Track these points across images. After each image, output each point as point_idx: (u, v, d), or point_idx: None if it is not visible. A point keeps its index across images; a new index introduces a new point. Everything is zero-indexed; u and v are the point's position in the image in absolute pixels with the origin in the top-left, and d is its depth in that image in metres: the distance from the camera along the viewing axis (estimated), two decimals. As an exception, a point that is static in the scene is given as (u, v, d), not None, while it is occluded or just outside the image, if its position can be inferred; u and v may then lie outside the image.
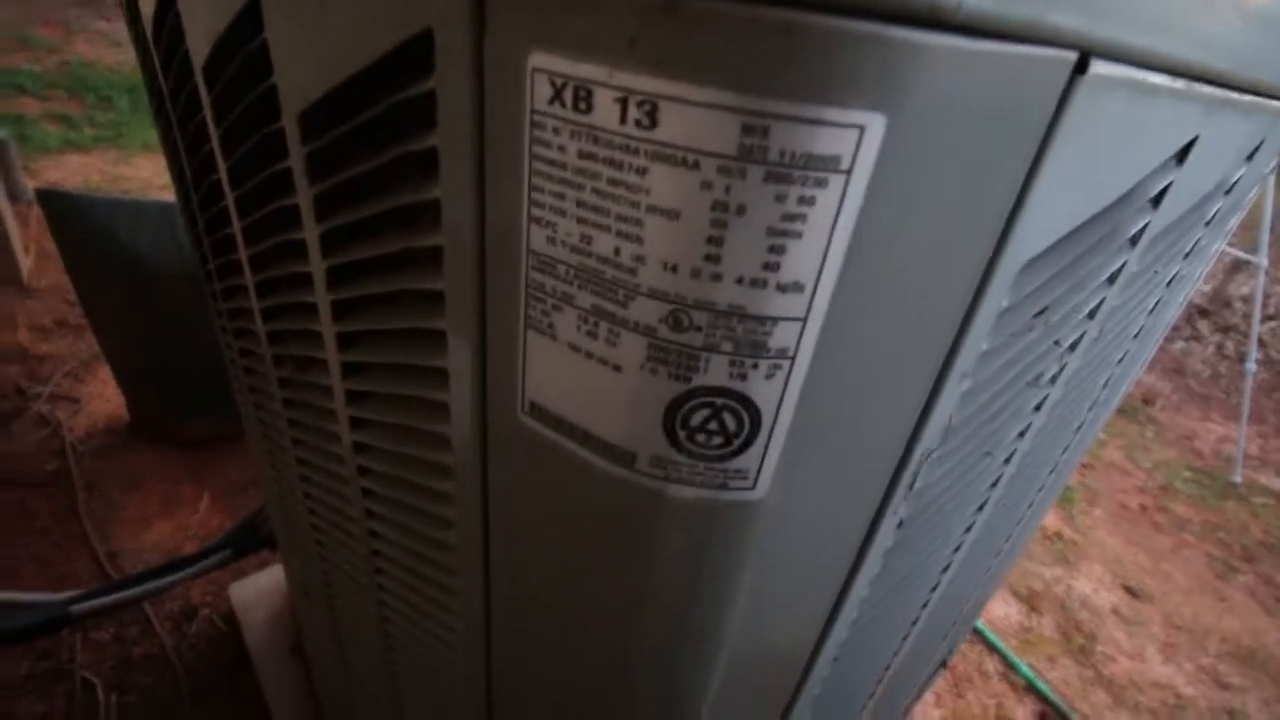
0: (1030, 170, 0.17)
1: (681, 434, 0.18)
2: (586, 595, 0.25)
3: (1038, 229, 0.19)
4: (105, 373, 1.37)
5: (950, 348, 0.20)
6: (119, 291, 1.20)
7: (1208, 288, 2.79)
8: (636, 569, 0.23)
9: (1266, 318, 2.60)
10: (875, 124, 0.14)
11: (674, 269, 0.16)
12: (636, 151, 0.15)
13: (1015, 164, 0.17)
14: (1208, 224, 0.31)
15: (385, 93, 0.20)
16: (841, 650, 0.29)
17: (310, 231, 0.27)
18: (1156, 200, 0.24)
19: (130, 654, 0.91)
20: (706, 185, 0.14)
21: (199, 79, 0.30)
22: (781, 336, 0.17)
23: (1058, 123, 0.16)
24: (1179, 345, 2.61)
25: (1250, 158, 0.29)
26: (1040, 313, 0.23)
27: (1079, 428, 0.38)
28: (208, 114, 0.31)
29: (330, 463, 0.36)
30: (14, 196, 1.79)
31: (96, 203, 1.16)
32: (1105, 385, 0.36)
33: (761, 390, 0.17)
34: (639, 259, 0.16)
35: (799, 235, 0.15)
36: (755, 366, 0.17)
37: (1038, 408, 0.29)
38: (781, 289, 0.16)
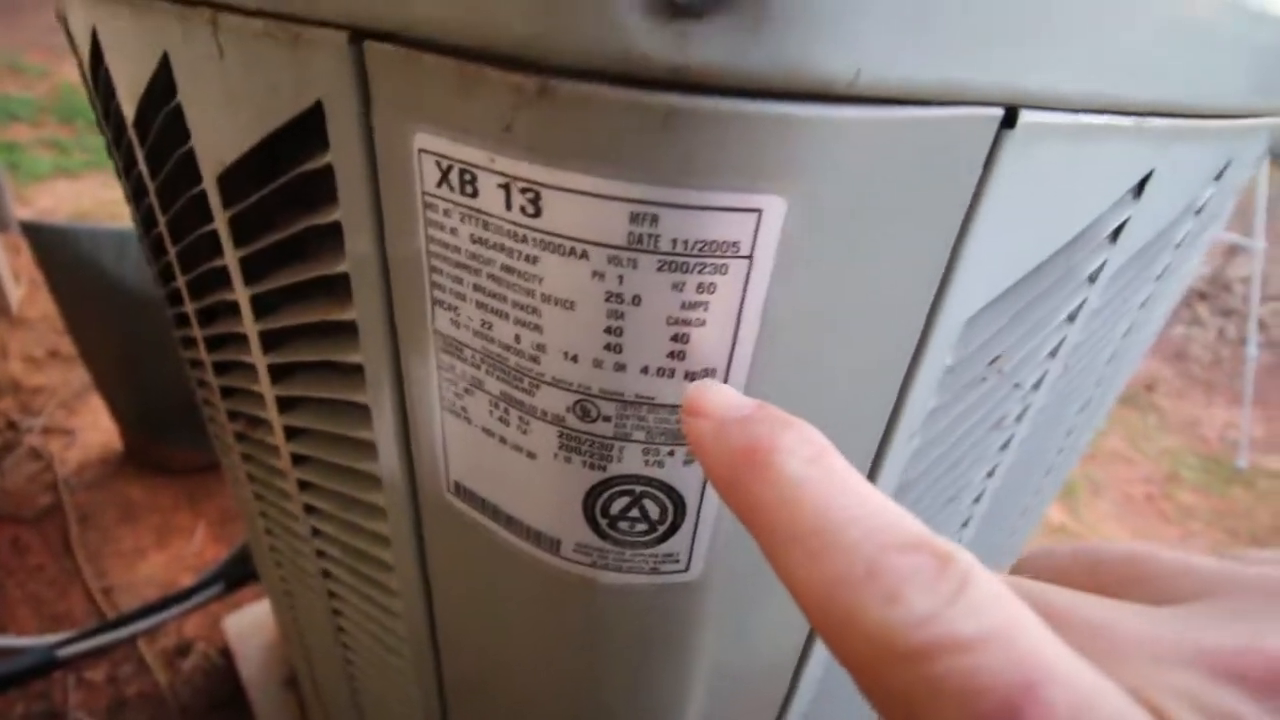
0: (962, 229, 0.16)
1: (603, 521, 0.17)
2: (534, 674, 0.24)
3: (977, 285, 0.18)
4: (98, 402, 1.36)
5: (890, 413, 0.19)
6: (107, 321, 1.19)
7: (1207, 271, 2.76)
8: (579, 653, 0.21)
9: (1267, 298, 2.57)
10: (774, 206, 0.13)
11: (575, 359, 0.15)
12: (525, 240, 0.14)
13: (943, 225, 0.16)
14: (1178, 246, 0.30)
15: (290, 164, 0.19)
16: (811, 707, 0.28)
17: (240, 294, 0.26)
18: (1115, 235, 0.22)
19: (124, 693, 0.90)
20: (598, 275, 0.13)
21: (132, 134, 0.30)
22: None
23: (988, 178, 0.15)
24: (1179, 331, 2.58)
25: (1219, 177, 0.28)
26: (994, 360, 0.22)
27: (1059, 451, 0.37)
28: (143, 169, 0.30)
29: (289, 520, 0.36)
30: (4, 226, 1.79)
31: (81, 233, 1.15)
32: (1081, 409, 0.35)
33: (681, 476, 0.16)
34: (540, 347, 0.15)
35: (702, 323, 0.14)
36: (672, 454, 0.16)
37: (1004, 447, 0.28)
38: (691, 377, 0.15)
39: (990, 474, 0.29)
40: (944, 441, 0.22)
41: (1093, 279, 0.23)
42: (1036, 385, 0.26)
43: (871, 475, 0.20)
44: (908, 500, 0.23)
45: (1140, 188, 0.22)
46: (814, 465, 0.11)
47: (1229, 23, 0.19)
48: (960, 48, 0.12)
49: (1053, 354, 0.25)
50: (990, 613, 0.09)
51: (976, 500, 0.29)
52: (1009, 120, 0.15)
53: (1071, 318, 0.24)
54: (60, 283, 1.15)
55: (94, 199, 2.36)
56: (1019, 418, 0.27)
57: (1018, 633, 0.08)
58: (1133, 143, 0.19)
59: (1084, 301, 0.24)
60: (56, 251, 1.15)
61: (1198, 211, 0.29)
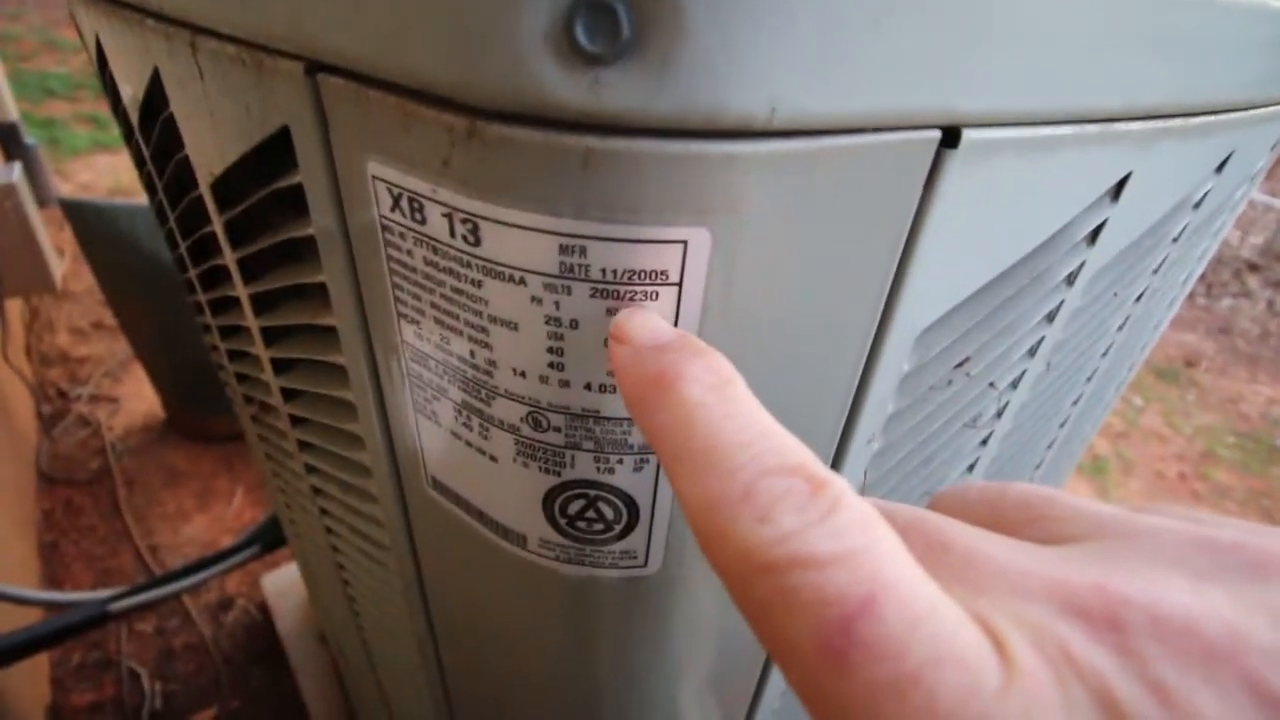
0: (906, 246, 0.16)
1: (562, 521, 0.18)
2: (516, 647, 0.25)
3: (930, 297, 0.18)
4: (140, 372, 1.42)
5: (845, 420, 0.19)
6: (145, 295, 1.24)
7: (1259, 240, 2.62)
8: (558, 635, 0.23)
9: (1326, 269, 2.44)
10: (699, 236, 0.13)
11: (523, 375, 0.16)
12: (469, 265, 0.14)
13: (884, 244, 0.16)
14: (1176, 240, 0.29)
15: (267, 180, 0.20)
16: (787, 695, 0.29)
17: (240, 291, 0.27)
18: (1093, 237, 0.22)
19: (171, 644, 0.97)
20: (536, 300, 0.14)
21: (138, 136, 0.31)
22: (642, 434, 0.16)
23: (931, 197, 0.15)
24: (1226, 303, 2.47)
25: (1220, 169, 0.27)
26: (961, 364, 0.22)
27: (1050, 445, 0.36)
28: (151, 169, 0.32)
29: (301, 499, 0.38)
30: (45, 201, 1.86)
31: (118, 210, 1.19)
32: (1076, 402, 0.35)
33: (632, 481, 0.17)
34: (492, 363, 0.16)
35: (638, 345, 0.14)
36: (621, 461, 0.17)
37: (984, 443, 0.28)
38: (632, 393, 0.15)
39: (971, 468, 0.29)
40: (910, 441, 0.23)
41: (1071, 280, 0.23)
42: (1014, 384, 0.26)
43: (829, 477, 0.20)
44: (877, 495, 0.23)
45: (1118, 190, 0.21)
46: (714, 392, 0.12)
47: (1200, 22, 0.18)
48: (878, 77, 0.13)
49: (1031, 353, 0.25)
50: (849, 535, 0.09)
51: (956, 493, 0.30)
52: (950, 140, 0.15)
53: (1050, 318, 0.24)
54: (99, 259, 1.20)
55: (131, 173, 2.43)
56: (997, 415, 0.27)
57: (868, 555, 0.09)
58: (1103, 148, 0.19)
59: (1062, 303, 0.24)
60: (95, 228, 1.19)
61: (1196, 205, 0.28)
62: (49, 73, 3.13)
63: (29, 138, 1.81)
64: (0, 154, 1.71)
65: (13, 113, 1.76)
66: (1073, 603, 0.09)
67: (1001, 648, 0.09)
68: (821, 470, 0.10)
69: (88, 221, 1.18)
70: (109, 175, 2.39)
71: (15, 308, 1.53)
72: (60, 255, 1.79)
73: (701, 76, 0.11)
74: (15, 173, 1.41)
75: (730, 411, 0.11)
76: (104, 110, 2.87)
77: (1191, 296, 2.46)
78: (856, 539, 0.09)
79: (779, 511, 0.10)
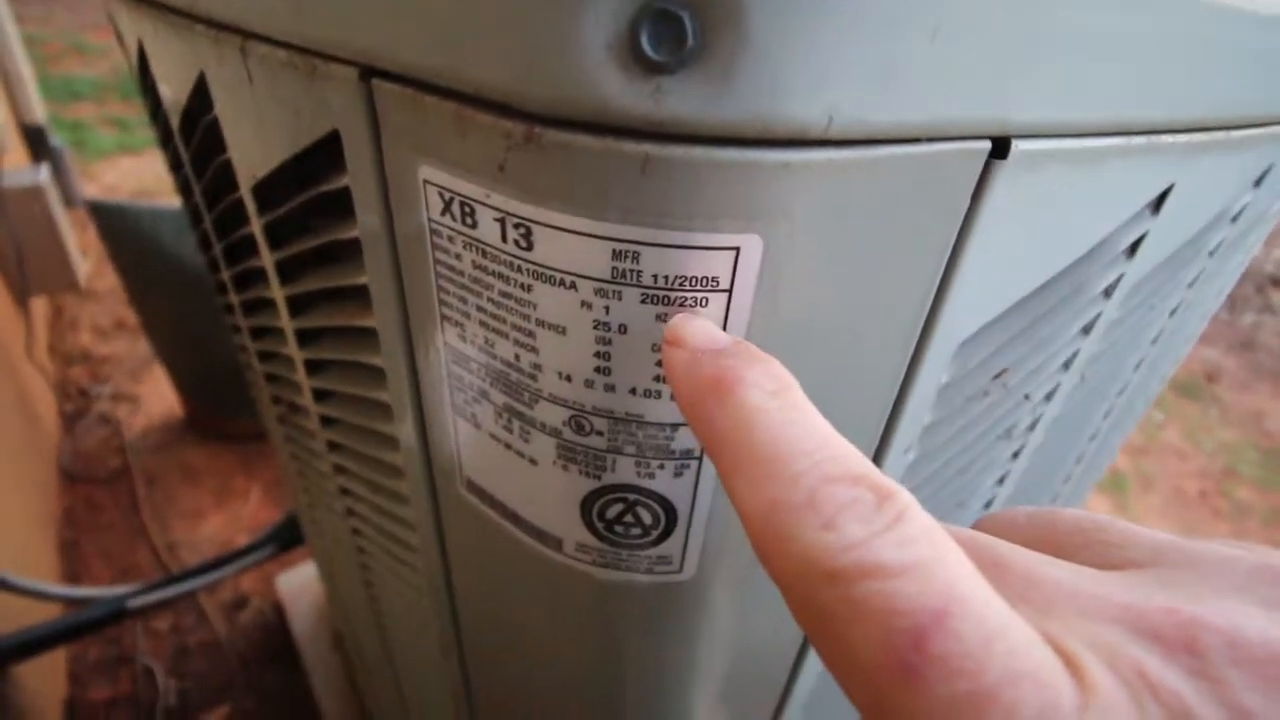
0: (952, 256, 0.16)
1: (600, 525, 0.18)
2: (543, 648, 0.25)
3: (972, 308, 0.18)
4: (161, 371, 1.44)
5: (883, 430, 0.19)
6: (167, 296, 1.26)
7: (1283, 254, 2.58)
8: (585, 639, 0.23)
9: (1351, 285, 2.40)
10: (751, 243, 0.13)
11: (569, 379, 0.16)
12: (520, 269, 0.15)
13: (931, 253, 0.16)
14: (1212, 254, 0.29)
15: (312, 183, 0.20)
16: (812, 698, 0.29)
17: (276, 293, 0.27)
18: (1132, 250, 0.22)
19: (187, 642, 0.98)
20: (586, 304, 0.14)
21: (178, 140, 0.31)
22: (685, 439, 0.16)
23: (978, 207, 0.15)
24: (1248, 319, 2.43)
25: (1258, 183, 0.27)
26: (998, 375, 0.22)
27: (1079, 459, 0.36)
28: (189, 171, 0.32)
29: (328, 499, 0.38)
30: (71, 202, 1.89)
31: (142, 212, 1.22)
32: (1107, 415, 0.34)
33: (671, 487, 0.17)
34: (537, 367, 0.16)
35: (686, 351, 0.14)
36: (662, 466, 0.17)
37: (1015, 455, 0.28)
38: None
39: (1001, 481, 0.29)
40: (945, 452, 0.23)
41: (1108, 293, 0.23)
42: (1049, 396, 0.26)
43: (865, 486, 0.20)
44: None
45: (1159, 202, 0.21)
46: (774, 398, 0.11)
47: (1245, 35, 0.18)
48: (933, 87, 0.13)
49: (1066, 366, 0.25)
50: (918, 546, 0.09)
51: (987, 506, 0.30)
52: (1000, 151, 0.15)
53: (1086, 330, 0.24)
54: (123, 259, 1.22)
55: (155, 175, 2.47)
56: (1031, 427, 0.27)
57: (940, 566, 0.09)
58: (1147, 160, 0.19)
59: (1099, 315, 0.23)
60: (120, 230, 1.21)
61: (1234, 219, 0.27)
62: (76, 75, 3.19)
63: (56, 140, 1.85)
64: (28, 155, 1.75)
65: (40, 115, 1.79)
66: (1145, 626, 0.09)
67: (1075, 668, 0.08)
68: (885, 480, 0.10)
69: (112, 223, 1.20)
70: (133, 177, 2.43)
71: (40, 306, 1.56)
72: (84, 255, 1.82)
73: (763, 85, 0.11)
74: (43, 174, 1.44)
75: (791, 418, 0.11)
76: (129, 113, 2.93)
77: (1212, 311, 2.42)
78: (925, 550, 0.09)
79: (845, 519, 0.09)
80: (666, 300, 0.14)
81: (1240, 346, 2.33)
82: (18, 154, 1.66)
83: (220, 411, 1.37)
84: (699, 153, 0.12)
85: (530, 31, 0.12)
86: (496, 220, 0.14)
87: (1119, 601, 0.10)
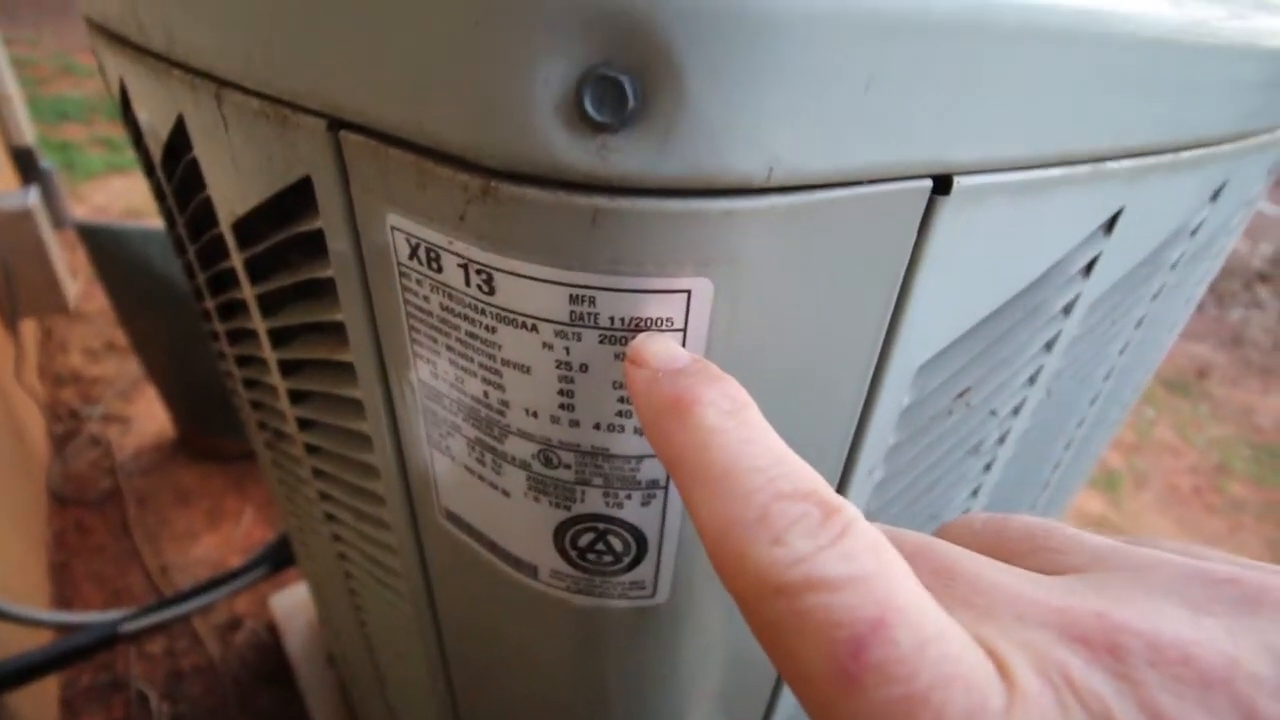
0: (903, 288, 0.17)
1: (573, 553, 0.19)
2: (526, 669, 0.25)
3: (926, 335, 0.18)
4: (152, 392, 1.44)
5: (846, 454, 0.19)
6: (157, 317, 1.26)
7: (1269, 249, 2.62)
8: (567, 662, 0.23)
9: (1335, 279, 2.43)
10: (702, 286, 0.14)
11: (535, 414, 0.16)
12: (484, 312, 0.15)
13: (881, 286, 0.16)
14: (1174, 267, 0.29)
15: (289, 222, 0.21)
16: (797, 711, 0.29)
17: (258, 324, 0.28)
18: (1086, 270, 0.23)
19: (180, 665, 0.97)
20: (548, 346, 0.15)
21: (160, 173, 0.32)
22: (650, 470, 0.17)
23: (925, 241, 0.16)
24: (1237, 314, 2.46)
25: (1215, 198, 0.27)
26: (962, 394, 0.22)
27: (1056, 467, 0.37)
28: (171, 204, 0.33)
29: (315, 524, 0.38)
30: (60, 224, 1.89)
31: (131, 233, 1.22)
32: (1080, 424, 0.35)
33: (640, 515, 0.18)
34: (505, 403, 0.16)
35: (645, 388, 0.15)
36: (630, 496, 0.17)
37: (987, 468, 0.28)
38: (639, 432, 0.16)
39: (974, 494, 0.29)
40: (913, 470, 0.23)
41: (1067, 311, 0.23)
42: (1016, 411, 0.26)
43: (833, 507, 0.21)
44: (882, 522, 0.24)
45: (1111, 224, 0.22)
46: (731, 418, 0.12)
47: (1179, 65, 0.19)
48: (871, 134, 0.13)
49: (1031, 381, 0.25)
50: (861, 559, 0.10)
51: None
52: (942, 188, 0.15)
53: (1048, 347, 0.25)
54: (113, 281, 1.22)
55: (144, 195, 2.47)
56: (1000, 441, 0.27)
57: (879, 579, 0.09)
58: (1094, 185, 0.19)
59: (1060, 332, 0.24)
60: (109, 251, 1.21)
61: (1193, 233, 0.28)
62: (65, 96, 3.19)
63: (45, 161, 1.85)
64: (17, 178, 1.75)
65: (30, 137, 1.80)
66: (1074, 629, 0.10)
67: (1004, 670, 0.09)
68: (833, 496, 0.11)
69: (102, 244, 1.20)
70: (123, 198, 2.43)
71: (29, 329, 1.55)
72: (74, 277, 1.82)
73: (703, 142, 0.12)
74: (32, 196, 1.43)
75: (746, 437, 0.11)
76: (118, 133, 2.93)
77: (1201, 307, 2.45)
78: (867, 563, 0.10)
79: (793, 535, 0.10)
80: (624, 340, 0.14)
81: (1229, 342, 2.36)
82: (7, 177, 1.66)
83: (212, 430, 1.37)
84: (646, 204, 0.13)
85: (483, 91, 0.12)
86: (460, 266, 0.15)
87: (1054, 605, 0.10)
